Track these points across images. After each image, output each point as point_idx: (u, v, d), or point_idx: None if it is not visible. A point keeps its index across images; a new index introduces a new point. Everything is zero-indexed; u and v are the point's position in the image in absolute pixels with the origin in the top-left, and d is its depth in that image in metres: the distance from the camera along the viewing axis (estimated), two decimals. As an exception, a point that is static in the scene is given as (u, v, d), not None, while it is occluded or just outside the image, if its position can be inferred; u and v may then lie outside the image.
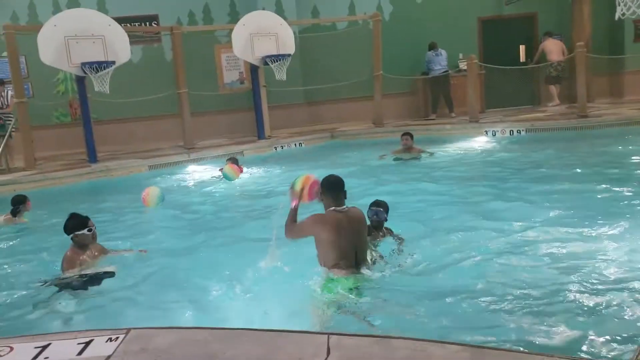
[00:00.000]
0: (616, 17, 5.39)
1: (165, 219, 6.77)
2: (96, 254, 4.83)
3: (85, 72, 9.64)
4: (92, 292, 4.32)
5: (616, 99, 13.18)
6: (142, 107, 11.89)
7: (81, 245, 4.72)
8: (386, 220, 4.88)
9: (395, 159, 9.28)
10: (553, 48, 12.47)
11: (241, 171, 8.55)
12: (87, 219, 4.79)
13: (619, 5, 5.29)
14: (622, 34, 13.13)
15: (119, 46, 9.95)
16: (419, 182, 7.57)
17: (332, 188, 4.09)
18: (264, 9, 12.34)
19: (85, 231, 4.69)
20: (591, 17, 12.82)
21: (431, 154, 9.46)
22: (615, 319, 3.28)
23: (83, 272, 4.55)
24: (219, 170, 8.56)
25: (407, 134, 9.44)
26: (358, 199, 5.09)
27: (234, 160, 8.68)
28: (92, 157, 10.22)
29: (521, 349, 2.89)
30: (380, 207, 4.85)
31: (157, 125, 12.44)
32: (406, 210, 5.96)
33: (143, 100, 11.49)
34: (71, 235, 4.70)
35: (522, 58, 13.48)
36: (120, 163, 10.14)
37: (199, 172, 9.69)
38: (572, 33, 13.01)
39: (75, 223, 4.71)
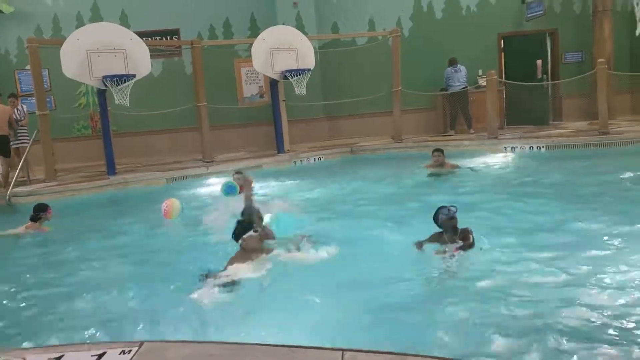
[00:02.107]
0: (637, 34, 5.29)
1: (181, 231, 6.77)
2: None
3: (106, 85, 9.78)
4: (105, 304, 4.32)
5: (638, 116, 12.99)
6: (161, 120, 12.04)
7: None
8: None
9: (429, 175, 9.15)
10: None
11: (247, 185, 8.38)
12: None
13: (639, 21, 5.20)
14: (644, 51, 13.01)
15: (140, 59, 10.09)
16: (455, 196, 7.45)
17: None
18: (284, 23, 12.44)
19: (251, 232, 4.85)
20: (612, 34, 12.71)
21: (472, 169, 9.29)
22: (619, 341, 3.19)
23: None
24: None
25: (438, 150, 9.27)
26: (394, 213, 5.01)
27: (240, 174, 8.45)
28: (111, 170, 10.32)
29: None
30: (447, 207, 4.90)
31: (177, 138, 12.57)
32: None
33: (162, 113, 11.62)
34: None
35: (539, 74, 13.37)
36: (138, 175, 10.21)
37: (217, 186, 9.70)
38: (594, 49, 12.90)
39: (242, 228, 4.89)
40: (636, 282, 4.05)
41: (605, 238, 5.06)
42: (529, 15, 13.16)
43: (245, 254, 4.80)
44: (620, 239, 4.98)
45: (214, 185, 9.25)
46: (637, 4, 4.95)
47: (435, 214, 4.97)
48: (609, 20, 12.70)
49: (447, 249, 4.75)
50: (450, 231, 4.87)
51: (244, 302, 4.22)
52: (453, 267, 4.52)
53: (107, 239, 6.57)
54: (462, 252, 4.68)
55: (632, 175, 7.99)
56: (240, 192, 8.21)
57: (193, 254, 5.70)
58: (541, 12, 12.78)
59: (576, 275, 4.25)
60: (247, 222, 5.03)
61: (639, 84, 12.91)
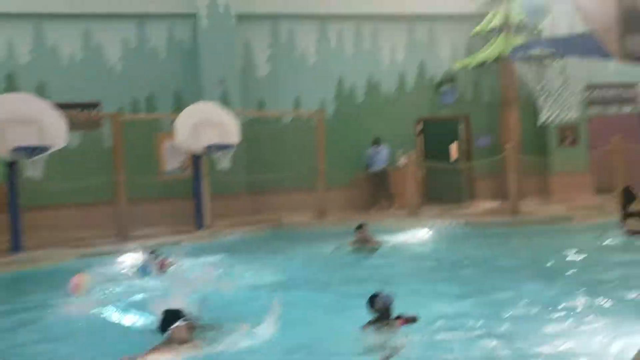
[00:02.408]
0: (540, 123, 5.78)
1: (92, 314, 6.33)
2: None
3: (16, 158, 9.32)
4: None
5: (545, 198, 13.86)
6: (75, 194, 11.54)
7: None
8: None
9: (352, 250, 9.18)
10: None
11: (163, 265, 8.12)
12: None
13: (543, 111, 5.67)
14: (547, 138, 14.09)
15: (56, 131, 9.73)
16: (378, 271, 7.56)
17: None
18: (208, 100, 12.49)
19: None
20: (518, 122, 13.71)
21: (394, 245, 9.43)
22: None
23: None
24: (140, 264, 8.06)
25: (362, 226, 9.35)
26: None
27: (154, 253, 8.18)
28: (17, 246, 9.66)
29: None
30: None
31: (91, 213, 12.01)
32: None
33: (78, 186, 11.16)
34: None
35: (455, 156, 14.14)
36: (47, 253, 9.60)
37: (130, 263, 9.26)
38: (503, 135, 13.83)
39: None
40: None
41: (525, 307, 5.54)
42: (443, 102, 14.01)
43: (171, 346, 4.46)
44: (533, 308, 5.43)
45: (128, 263, 8.83)
46: (539, 96, 5.47)
47: (370, 300, 4.84)
48: (515, 109, 13.72)
49: (388, 328, 4.68)
50: (385, 317, 4.77)
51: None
52: (398, 342, 4.46)
53: (12, 323, 6.04)
54: (405, 326, 4.64)
55: (539, 251, 8.48)
56: (157, 272, 7.90)
57: (106, 340, 5.33)
58: (454, 99, 13.67)
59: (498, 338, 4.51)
60: (175, 310, 4.66)
61: (545, 168, 13.89)
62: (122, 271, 8.46)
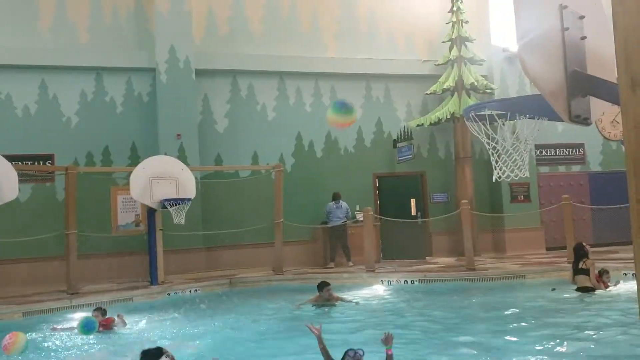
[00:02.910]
0: (493, 179, 5.95)
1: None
2: None
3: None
4: None
5: (500, 253, 14.12)
6: (23, 248, 11.08)
7: None
8: None
9: (315, 306, 9.02)
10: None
11: (108, 322, 7.82)
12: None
13: (495, 169, 5.84)
14: (500, 195, 14.49)
15: (6, 184, 9.45)
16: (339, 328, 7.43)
17: None
18: (165, 153, 12.39)
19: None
20: (473, 179, 14.08)
21: (350, 301, 9.32)
22: None
23: None
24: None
25: (325, 285, 9.13)
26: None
27: (101, 310, 7.95)
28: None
29: None
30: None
31: (39, 268, 11.50)
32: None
33: (26, 240, 10.75)
34: None
35: (413, 211, 14.32)
36: (-9, 309, 9.13)
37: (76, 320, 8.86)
38: (457, 191, 14.15)
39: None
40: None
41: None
42: (400, 159, 14.28)
43: None
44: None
45: (76, 320, 8.44)
46: (492, 154, 5.68)
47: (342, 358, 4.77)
48: (469, 166, 14.12)
49: None
50: None
51: None
52: None
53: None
54: None
55: (495, 307, 8.58)
56: (101, 329, 7.60)
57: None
58: (410, 156, 13.95)
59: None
60: (156, 348, 4.44)
61: (498, 224, 14.20)
62: (65, 328, 8.06)
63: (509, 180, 5.83)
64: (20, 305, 9.44)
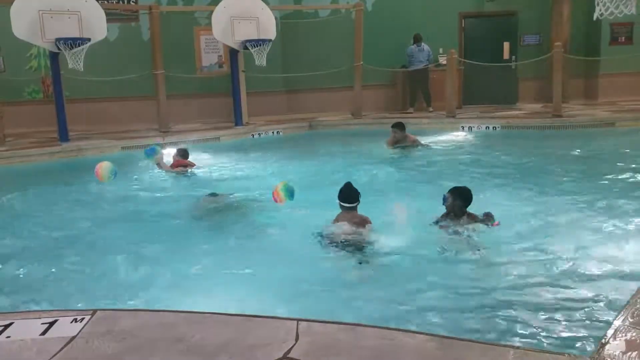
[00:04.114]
0: (594, 17, 5.44)
1: (132, 201, 6.66)
2: None
3: (59, 49, 9.42)
4: (56, 271, 4.23)
5: (591, 100, 13.37)
6: (116, 87, 11.69)
7: None
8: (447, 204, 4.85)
9: (393, 150, 9.11)
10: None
11: (185, 165, 8.18)
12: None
13: (598, 5, 5.33)
14: (599, 37, 13.32)
15: (95, 23, 9.73)
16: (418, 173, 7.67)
17: None
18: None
19: None
20: (570, 18, 12.97)
21: (425, 145, 9.37)
22: (582, 313, 3.33)
23: None
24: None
25: (398, 125, 9.22)
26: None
27: (183, 152, 8.35)
28: (64, 136, 10.00)
29: (487, 340, 2.90)
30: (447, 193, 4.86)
31: (132, 107, 12.22)
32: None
33: (118, 79, 11.29)
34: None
35: (506, 55, 13.54)
36: (92, 143, 9.95)
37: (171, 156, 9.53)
38: (551, 33, 13.16)
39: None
40: (586, 253, 4.24)
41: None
42: (488, -5, 13.27)
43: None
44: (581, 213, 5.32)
45: (170, 155, 9.09)
46: None
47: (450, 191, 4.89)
48: (569, 4, 12.94)
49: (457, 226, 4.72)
50: (458, 212, 4.80)
51: (199, 270, 4.21)
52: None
53: (58, 207, 6.40)
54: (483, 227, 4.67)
55: (582, 155, 8.33)
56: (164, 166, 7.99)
57: (145, 224, 5.64)
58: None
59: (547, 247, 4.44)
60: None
61: (593, 69, 13.28)
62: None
63: (612, 17, 5.33)
64: (118, 141, 10.21)
